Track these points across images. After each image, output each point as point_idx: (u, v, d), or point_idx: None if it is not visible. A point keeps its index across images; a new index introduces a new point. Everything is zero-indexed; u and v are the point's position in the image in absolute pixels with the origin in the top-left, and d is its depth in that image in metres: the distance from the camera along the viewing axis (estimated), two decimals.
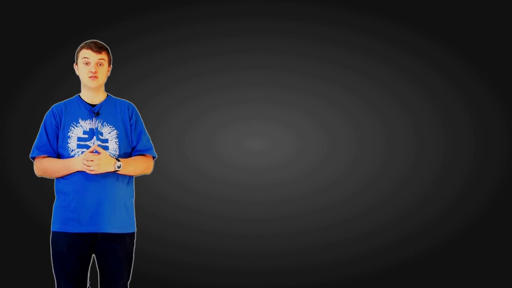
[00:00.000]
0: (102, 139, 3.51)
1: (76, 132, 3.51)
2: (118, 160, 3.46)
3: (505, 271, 5.59)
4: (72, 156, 3.48)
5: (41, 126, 3.56)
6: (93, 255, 3.50)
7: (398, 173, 5.79)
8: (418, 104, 5.81)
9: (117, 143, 3.54)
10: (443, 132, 5.79)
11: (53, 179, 3.54)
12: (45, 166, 3.50)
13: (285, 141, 5.86)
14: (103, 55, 3.53)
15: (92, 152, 3.41)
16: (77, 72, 3.59)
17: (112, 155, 3.49)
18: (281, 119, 5.85)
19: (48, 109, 3.59)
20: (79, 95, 3.62)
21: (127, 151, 3.58)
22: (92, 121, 3.54)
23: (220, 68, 5.82)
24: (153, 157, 3.68)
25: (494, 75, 5.75)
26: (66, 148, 3.49)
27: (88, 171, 3.39)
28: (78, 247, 3.42)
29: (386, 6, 5.78)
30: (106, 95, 3.65)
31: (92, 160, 3.37)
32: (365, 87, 5.82)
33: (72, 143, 3.49)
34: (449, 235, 5.72)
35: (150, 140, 3.66)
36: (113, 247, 3.44)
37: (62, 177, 3.48)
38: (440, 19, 5.78)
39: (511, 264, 5.60)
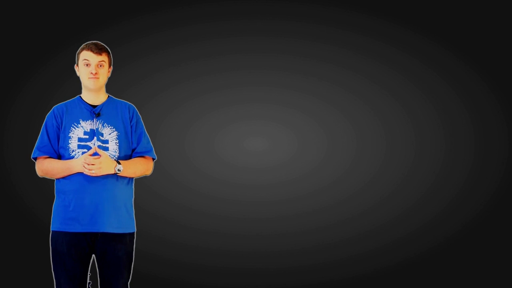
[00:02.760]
0: (103, 140, 3.52)
1: (77, 132, 3.52)
2: (119, 163, 3.47)
3: (505, 271, 5.60)
4: (73, 157, 3.50)
5: (42, 127, 3.58)
6: (93, 255, 3.51)
7: (398, 173, 5.81)
8: (418, 104, 5.83)
9: (117, 144, 3.55)
10: (443, 132, 5.81)
11: (54, 179, 3.56)
12: (46, 167, 3.52)
13: (286, 141, 5.88)
14: (104, 57, 3.55)
15: (92, 154, 3.43)
16: (78, 73, 3.61)
17: (112, 156, 3.51)
18: (281, 119, 5.86)
19: (49, 109, 3.60)
20: (80, 96, 3.64)
21: (127, 153, 3.59)
22: (93, 122, 3.55)
23: (220, 68, 5.84)
24: (153, 159, 3.69)
25: (494, 75, 5.78)
26: (67, 148, 3.51)
27: (89, 174, 3.41)
28: (78, 246, 3.43)
29: (386, 6, 5.80)
30: (107, 96, 3.66)
31: (93, 164, 3.39)
32: (365, 87, 5.84)
33: (73, 144, 3.51)
34: (449, 235, 5.74)
35: (150, 142, 3.68)
36: (113, 246, 3.46)
37: (62, 177, 3.50)
38: (440, 19, 5.80)
39: (511, 264, 5.61)
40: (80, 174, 3.44)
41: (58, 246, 3.44)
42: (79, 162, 3.42)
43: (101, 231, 3.44)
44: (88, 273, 3.51)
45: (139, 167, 3.58)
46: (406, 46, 5.79)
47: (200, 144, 5.85)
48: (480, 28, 5.77)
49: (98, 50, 3.53)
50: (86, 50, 3.54)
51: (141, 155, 3.62)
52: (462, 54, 5.78)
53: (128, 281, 3.53)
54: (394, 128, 5.83)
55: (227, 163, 5.85)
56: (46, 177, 3.58)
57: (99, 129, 3.55)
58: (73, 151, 3.50)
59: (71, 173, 3.46)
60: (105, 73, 3.58)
